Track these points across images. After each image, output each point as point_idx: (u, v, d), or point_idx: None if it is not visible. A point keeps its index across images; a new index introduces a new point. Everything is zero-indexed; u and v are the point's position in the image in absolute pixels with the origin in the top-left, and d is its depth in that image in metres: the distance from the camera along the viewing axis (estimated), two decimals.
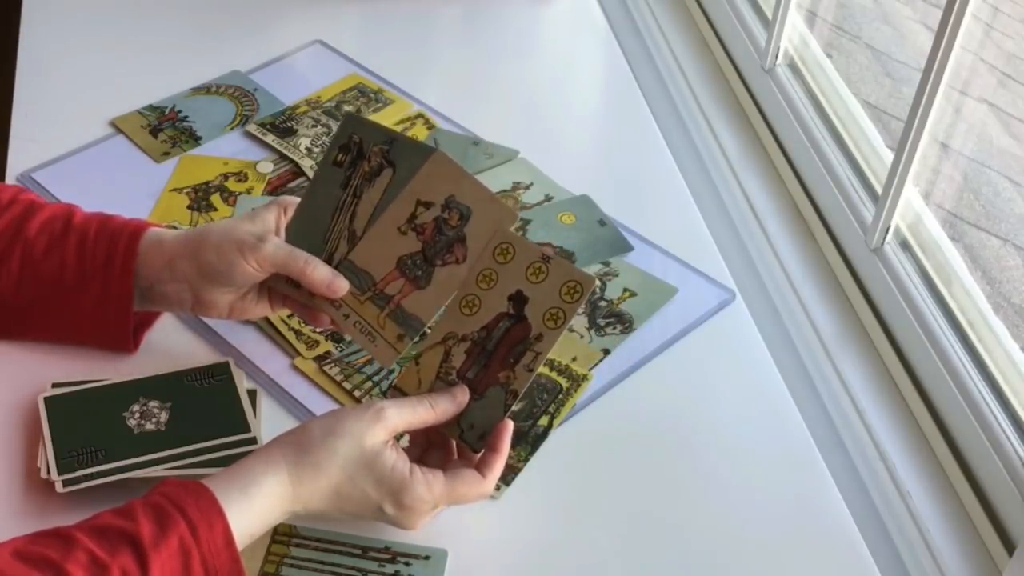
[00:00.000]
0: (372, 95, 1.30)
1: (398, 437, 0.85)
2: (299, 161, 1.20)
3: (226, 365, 0.96)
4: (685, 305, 1.08)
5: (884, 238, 1.12)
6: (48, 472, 0.87)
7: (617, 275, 1.11)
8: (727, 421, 0.99)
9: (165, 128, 1.24)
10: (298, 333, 1.02)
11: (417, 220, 0.90)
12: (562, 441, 0.96)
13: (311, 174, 1.16)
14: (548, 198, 1.19)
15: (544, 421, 0.97)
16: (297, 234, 0.93)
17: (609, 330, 1.05)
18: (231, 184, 1.18)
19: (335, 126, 1.24)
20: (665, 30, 1.51)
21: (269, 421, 0.94)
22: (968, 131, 1.44)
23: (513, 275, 0.87)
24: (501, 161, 1.23)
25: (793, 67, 1.33)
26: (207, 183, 1.17)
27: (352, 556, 0.86)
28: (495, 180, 1.20)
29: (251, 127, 1.24)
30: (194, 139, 1.23)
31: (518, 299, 0.86)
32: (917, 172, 1.09)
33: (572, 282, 0.85)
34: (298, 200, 0.94)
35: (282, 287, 0.93)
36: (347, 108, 1.27)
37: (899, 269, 1.09)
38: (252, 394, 0.95)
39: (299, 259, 0.90)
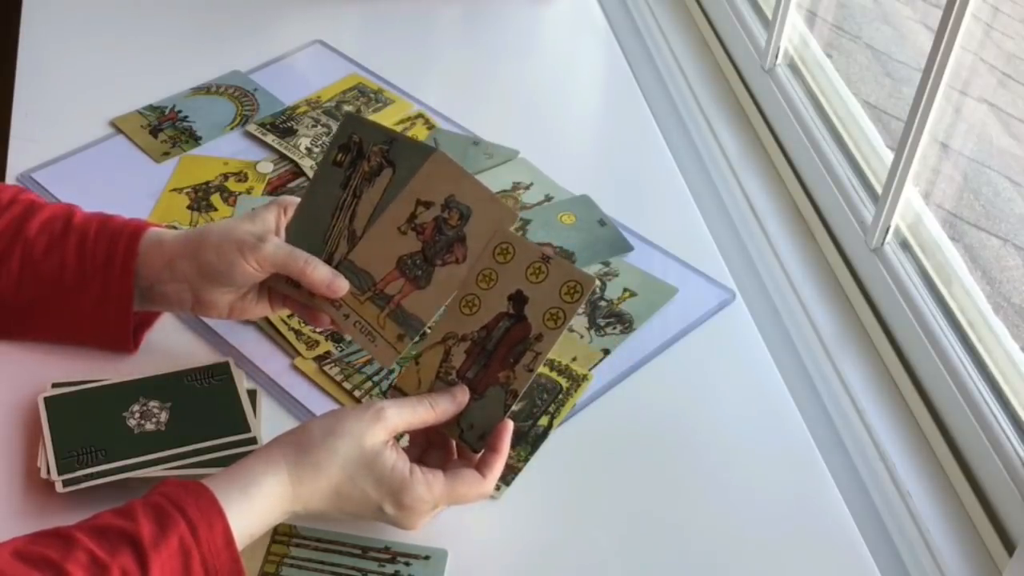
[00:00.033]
0: (372, 95, 1.30)
1: (398, 437, 0.85)
2: (299, 161, 1.20)
3: (226, 365, 0.96)
4: (685, 305, 1.08)
5: (884, 238, 1.12)
6: (48, 472, 0.87)
7: (617, 275, 1.11)
8: (727, 421, 0.99)
9: (165, 128, 1.24)
10: (298, 333, 1.02)
11: (417, 220, 0.90)
12: (562, 441, 0.96)
13: (311, 174, 1.16)
14: (548, 198, 1.19)
15: (544, 421, 0.97)
16: (297, 234, 0.93)
17: (609, 330, 1.05)
18: (231, 184, 1.18)
19: (335, 126, 1.24)
20: (665, 30, 1.51)
21: (269, 421, 0.94)
22: (968, 131, 1.44)
23: (513, 275, 0.87)
24: (501, 161, 1.23)
25: (793, 67, 1.33)
26: (207, 183, 1.17)
27: (352, 556, 0.86)
28: (495, 180, 1.20)
29: (251, 127, 1.24)
30: (194, 139, 1.23)
31: (518, 299, 0.86)
32: (917, 172, 1.09)
33: (572, 282, 0.85)
34: (298, 200, 0.94)
35: (282, 287, 0.93)
36: (347, 108, 1.27)
37: (899, 269, 1.09)
38: (252, 394, 0.95)
39: (299, 259, 0.90)
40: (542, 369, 0.99)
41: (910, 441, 1.03)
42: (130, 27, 1.39)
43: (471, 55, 1.42)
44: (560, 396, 0.99)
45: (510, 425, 0.86)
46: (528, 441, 0.95)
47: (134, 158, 1.20)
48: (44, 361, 0.97)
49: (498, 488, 0.91)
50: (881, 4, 1.69)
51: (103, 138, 1.23)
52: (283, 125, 1.25)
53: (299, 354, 1.00)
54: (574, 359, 1.02)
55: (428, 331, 0.90)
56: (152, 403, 0.93)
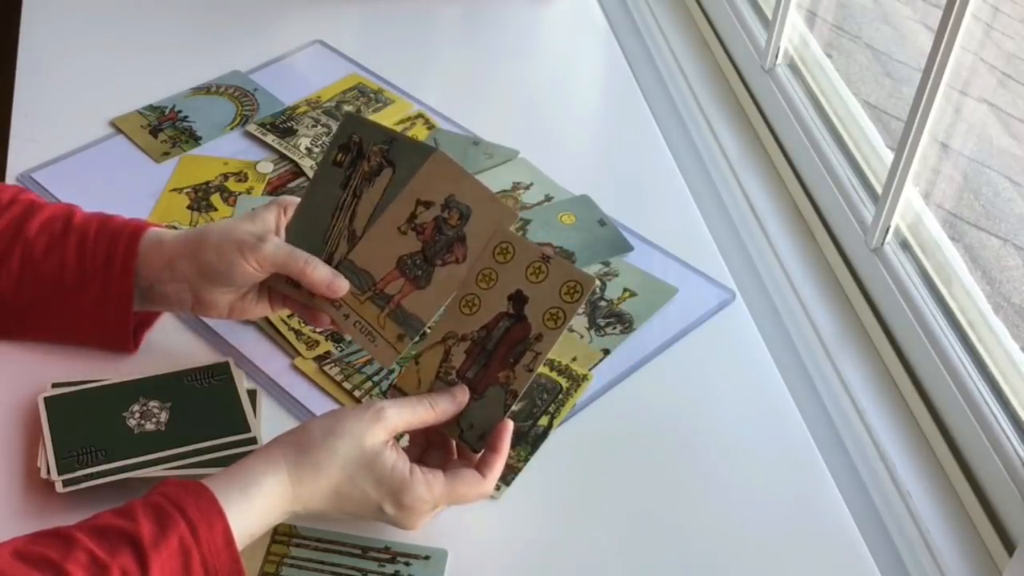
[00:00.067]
0: (372, 95, 1.30)
1: (398, 437, 0.85)
2: (299, 161, 1.20)
3: (226, 365, 0.96)
4: (685, 305, 1.08)
5: (884, 238, 1.12)
6: (48, 472, 0.87)
7: (617, 275, 1.11)
8: (727, 421, 0.99)
9: (165, 128, 1.24)
10: (298, 333, 1.02)
11: (417, 220, 0.90)
12: (562, 441, 0.96)
13: (311, 174, 1.16)
14: (548, 198, 1.19)
15: (544, 421, 0.97)
16: (297, 234, 0.93)
17: (609, 330, 1.05)
18: (231, 184, 1.18)
19: (335, 126, 1.24)
20: (665, 30, 1.51)
21: (269, 421, 0.94)
22: (968, 131, 1.44)
23: (513, 275, 0.87)
24: (501, 161, 1.23)
25: (793, 67, 1.33)
26: (207, 183, 1.17)
27: (352, 556, 0.86)
28: (495, 180, 1.20)
29: (251, 127, 1.24)
30: (194, 139, 1.23)
31: (518, 299, 0.86)
32: (917, 172, 1.09)
33: (572, 282, 0.85)
34: (298, 200, 0.94)
35: (282, 287, 0.93)
36: (347, 108, 1.27)
37: (899, 269, 1.09)
38: (252, 394, 0.95)
39: (299, 259, 0.90)
40: (542, 369, 0.99)
41: (910, 441, 1.03)
42: (130, 27, 1.39)
43: (471, 55, 1.42)
44: (560, 396, 0.99)
45: (510, 425, 0.86)
46: (528, 441, 0.95)
47: (134, 158, 1.20)
48: (44, 361, 0.97)
49: (498, 488, 0.91)
50: (881, 4, 1.69)
51: (103, 138, 1.23)
52: (283, 125, 1.25)
53: (299, 354, 1.00)
54: (574, 359, 1.02)
55: (428, 331, 0.90)
56: (152, 403, 0.93)
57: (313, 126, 1.25)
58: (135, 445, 0.89)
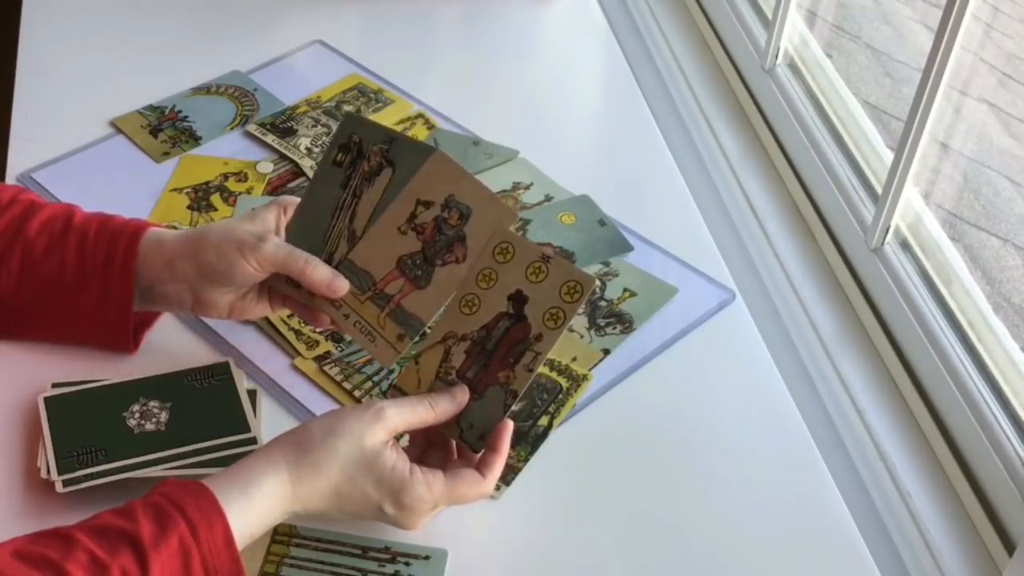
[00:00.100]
0: (372, 95, 1.30)
1: (398, 437, 0.85)
2: (299, 161, 1.20)
3: (226, 365, 0.96)
4: (685, 305, 1.08)
5: (884, 238, 1.12)
6: (48, 472, 0.87)
7: (617, 275, 1.11)
8: (727, 421, 0.99)
9: (165, 128, 1.24)
10: (298, 333, 1.02)
11: (417, 220, 0.90)
12: (562, 441, 0.96)
13: (311, 174, 1.16)
14: (548, 198, 1.19)
15: (544, 421, 0.97)
16: (297, 234, 0.93)
17: (609, 330, 1.05)
18: (231, 184, 1.18)
19: (335, 126, 1.24)
20: (665, 30, 1.51)
21: (269, 421, 0.94)
22: (968, 131, 1.44)
23: (513, 275, 0.87)
24: (501, 161, 1.23)
25: (793, 67, 1.33)
26: (207, 183, 1.17)
27: (352, 556, 0.86)
28: (495, 180, 1.20)
29: (251, 127, 1.24)
30: (194, 139, 1.23)
31: (518, 299, 0.86)
32: (917, 172, 1.09)
33: (572, 282, 0.85)
34: (298, 200, 0.94)
35: (282, 287, 0.93)
36: (347, 108, 1.27)
37: (899, 269, 1.09)
38: (252, 394, 0.95)
39: (299, 259, 0.90)
40: (542, 369, 0.99)
41: (910, 441, 1.03)
42: (130, 27, 1.39)
43: (471, 55, 1.42)
44: (560, 396, 0.99)
45: (510, 425, 0.86)
46: (528, 441, 0.95)
47: (134, 158, 1.20)
48: (44, 361, 0.97)
49: (498, 488, 0.91)
50: (881, 4, 1.69)
51: (103, 138, 1.23)
52: (283, 125, 1.25)
53: (299, 354, 1.00)
54: (574, 359, 1.02)
55: (428, 331, 0.90)
56: (152, 403, 0.93)
57: (313, 126, 1.25)
58: (135, 445, 0.89)
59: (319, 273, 0.90)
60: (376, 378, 0.99)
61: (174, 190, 1.16)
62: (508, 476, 0.92)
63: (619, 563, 0.88)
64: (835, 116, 1.25)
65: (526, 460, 0.94)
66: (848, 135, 1.23)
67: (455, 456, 0.88)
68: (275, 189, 1.17)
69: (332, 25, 1.42)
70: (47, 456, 0.88)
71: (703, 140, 1.37)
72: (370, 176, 0.92)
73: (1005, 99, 1.50)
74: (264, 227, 0.91)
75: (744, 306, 1.09)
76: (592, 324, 1.05)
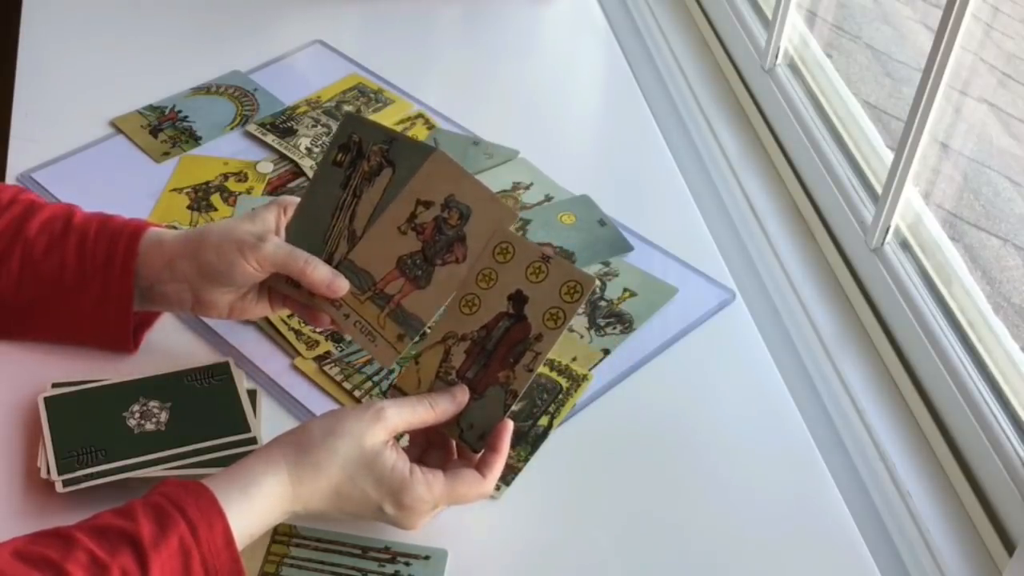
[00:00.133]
0: (372, 95, 1.30)
1: (398, 437, 0.85)
2: (299, 161, 1.20)
3: (226, 365, 0.96)
4: (685, 305, 1.08)
5: (884, 238, 1.12)
6: (48, 472, 0.87)
7: (617, 275, 1.11)
8: (727, 421, 0.99)
9: (165, 128, 1.24)
10: (298, 333, 1.02)
11: (417, 220, 0.90)
12: (562, 441, 0.96)
13: (311, 174, 1.16)
14: (548, 198, 1.19)
15: (544, 421, 0.97)
16: (297, 234, 0.93)
17: (609, 330, 1.05)
18: (231, 184, 1.18)
19: (335, 126, 1.24)
20: (665, 30, 1.51)
21: (269, 421, 0.94)
22: (968, 131, 1.44)
23: (513, 275, 0.87)
24: (501, 161, 1.23)
25: (793, 67, 1.33)
26: (207, 183, 1.17)
27: (352, 556, 0.86)
28: (495, 180, 1.20)
29: (251, 127, 1.24)
30: (194, 139, 1.23)
31: (518, 299, 0.86)
32: (917, 172, 1.09)
33: (572, 282, 0.85)
34: (298, 200, 0.94)
35: (282, 287, 0.93)
36: (347, 108, 1.27)
37: (899, 269, 1.09)
38: (252, 394, 0.95)
39: (299, 259, 0.90)
40: (542, 369, 0.99)
41: (910, 441, 1.03)
42: (130, 27, 1.39)
43: (471, 55, 1.42)
44: (560, 396, 0.99)
45: (510, 425, 0.86)
46: (528, 441, 0.95)
47: (134, 158, 1.20)
48: (44, 361, 0.97)
49: (498, 488, 0.91)
50: (881, 4, 1.69)
51: (103, 138, 1.23)
52: (283, 125, 1.25)
53: (299, 354, 1.00)
54: (574, 359, 1.02)
55: (428, 331, 0.90)
56: (152, 403, 0.93)
57: (313, 126, 1.25)
58: (135, 445, 0.89)
59: (319, 273, 0.90)
60: (376, 378, 0.99)
61: (174, 190, 1.16)
62: (508, 476, 0.92)
63: (619, 563, 0.88)
64: (835, 116, 1.25)
65: (526, 460, 0.94)
66: (848, 135, 1.23)
67: (455, 456, 0.88)
68: (275, 189, 1.17)
69: (332, 25, 1.42)
70: (47, 456, 0.88)
71: (703, 140, 1.37)
72: (370, 176, 0.92)
73: (1005, 99, 1.50)
74: (264, 227, 0.91)
75: (744, 306, 1.09)
76: (592, 324, 1.05)
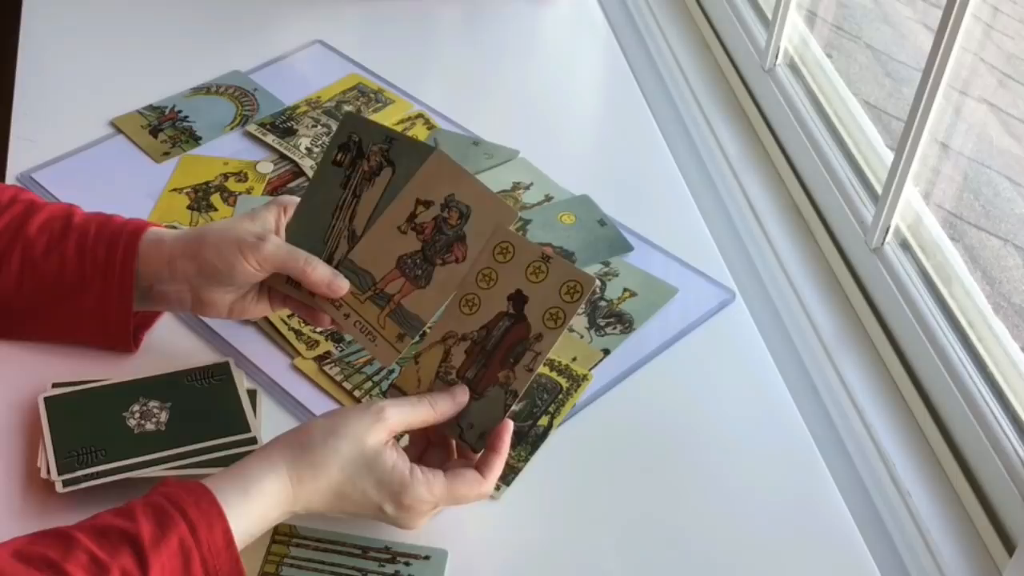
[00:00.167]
0: (372, 95, 1.30)
1: (398, 437, 0.85)
2: (299, 161, 1.20)
3: (226, 365, 0.96)
4: (685, 305, 1.08)
5: (884, 238, 1.12)
6: (48, 472, 0.87)
7: (617, 275, 1.11)
8: (727, 421, 0.99)
9: (165, 128, 1.24)
10: (298, 333, 1.02)
11: (417, 219, 0.90)
12: (562, 441, 0.96)
13: (311, 174, 1.16)
14: (548, 198, 1.19)
15: (544, 421, 0.97)
16: (297, 234, 0.93)
17: (609, 330, 1.05)
18: (231, 184, 1.17)
19: (335, 126, 1.23)
20: (665, 30, 1.51)
21: (269, 421, 0.94)
22: (968, 131, 1.44)
23: (513, 274, 0.87)
24: (501, 161, 1.23)
25: (793, 67, 1.33)
26: (207, 183, 1.17)
27: (352, 556, 0.86)
28: (495, 180, 1.20)
29: (251, 127, 1.24)
30: (194, 139, 1.23)
31: (518, 298, 0.86)
32: (917, 172, 1.09)
33: (572, 282, 0.85)
34: (298, 200, 0.94)
35: (282, 287, 0.93)
36: (347, 108, 1.27)
37: (899, 269, 1.09)
38: (252, 394, 0.95)
39: (299, 258, 0.90)
40: (542, 369, 0.99)
41: (910, 441, 1.03)
42: (130, 27, 1.39)
43: (471, 55, 1.42)
44: (560, 396, 0.99)
45: (510, 425, 0.86)
46: (528, 441, 0.95)
47: (134, 158, 1.20)
48: (44, 361, 0.97)
49: (498, 488, 0.91)
50: (881, 4, 1.69)
51: (103, 138, 1.22)
52: (283, 125, 1.25)
53: (299, 354, 1.00)
54: (574, 359, 1.02)
55: (428, 331, 0.90)
56: (152, 403, 0.93)
57: (313, 126, 1.25)
58: (135, 445, 0.89)
59: (319, 273, 0.90)
60: (376, 378, 0.99)
61: (174, 190, 1.16)
62: (508, 476, 0.92)
63: (619, 563, 0.88)
64: (835, 116, 1.25)
65: (526, 460, 0.94)
66: (848, 135, 1.23)
67: (455, 455, 0.88)
68: (275, 189, 1.17)
69: (332, 25, 1.42)
70: (47, 456, 0.88)
71: (703, 140, 1.37)
72: (370, 176, 0.92)
73: (1005, 99, 1.50)
74: (264, 227, 0.91)
75: (744, 306, 1.09)
76: (592, 324, 1.05)
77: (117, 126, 1.24)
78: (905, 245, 1.12)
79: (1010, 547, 0.92)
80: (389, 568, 0.85)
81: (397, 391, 0.88)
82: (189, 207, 1.14)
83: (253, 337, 1.02)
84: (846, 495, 0.94)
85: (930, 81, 1.03)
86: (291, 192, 1.17)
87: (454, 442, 0.88)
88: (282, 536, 0.86)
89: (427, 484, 0.82)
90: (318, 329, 1.02)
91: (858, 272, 1.15)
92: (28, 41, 1.35)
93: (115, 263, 0.92)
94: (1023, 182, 1.45)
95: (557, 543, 0.89)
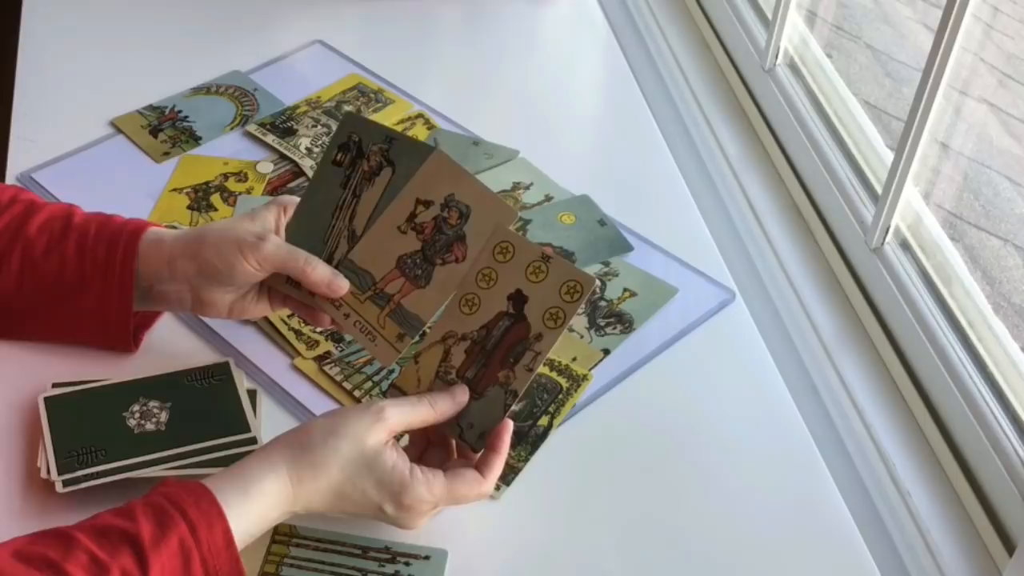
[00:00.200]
0: (372, 95, 1.30)
1: (398, 437, 0.85)
2: (299, 161, 1.20)
3: (226, 365, 0.96)
4: (685, 305, 1.08)
5: (884, 238, 1.12)
6: (48, 472, 0.87)
7: (617, 275, 1.11)
8: (727, 421, 0.99)
9: (165, 128, 1.24)
10: (298, 333, 1.02)
11: (417, 219, 0.90)
12: (562, 441, 0.96)
13: (311, 174, 1.16)
14: (548, 198, 1.19)
15: (544, 421, 0.97)
16: (297, 234, 0.93)
17: (609, 330, 1.05)
18: (231, 184, 1.17)
19: (335, 126, 1.23)
20: (665, 30, 1.51)
21: (269, 421, 0.94)
22: (968, 131, 1.44)
23: (513, 274, 0.87)
24: (501, 161, 1.23)
25: (793, 67, 1.33)
26: (207, 183, 1.17)
27: (352, 556, 0.86)
28: (495, 180, 1.20)
29: (251, 127, 1.24)
30: (194, 139, 1.23)
31: (518, 298, 0.86)
32: (917, 172, 1.09)
33: (572, 282, 0.85)
34: (298, 200, 0.94)
35: (282, 286, 0.93)
36: (347, 108, 1.27)
37: (899, 269, 1.09)
38: (252, 394, 0.95)
39: (299, 258, 0.90)
40: (542, 369, 0.99)
41: (910, 441, 1.03)
42: (130, 27, 1.39)
43: (471, 55, 1.42)
44: (560, 396, 0.99)
45: (510, 425, 0.86)
46: (528, 441, 0.95)
47: (134, 158, 1.20)
48: (44, 361, 0.97)
49: (498, 488, 0.91)
50: (881, 4, 1.69)
51: (103, 138, 1.22)
52: (283, 125, 1.25)
53: (299, 354, 1.00)
54: (574, 359, 1.02)
55: (428, 330, 0.90)
56: (152, 403, 0.93)
57: (313, 126, 1.25)
58: (135, 445, 0.89)
59: (319, 273, 0.90)
60: (376, 378, 0.99)
61: (174, 190, 1.16)
62: (508, 476, 0.92)
63: (619, 563, 0.88)
64: (835, 116, 1.25)
65: (526, 460, 0.94)
66: (848, 135, 1.23)
67: (455, 455, 0.88)
68: (275, 189, 1.17)
69: (332, 25, 1.42)
70: (47, 456, 0.88)
71: (703, 140, 1.37)
72: (370, 176, 0.92)
73: (1005, 99, 1.50)
74: (264, 227, 0.91)
75: (744, 306, 1.09)
76: (592, 324, 1.05)
77: (117, 126, 1.24)
78: (905, 245, 1.12)
79: (1010, 547, 0.92)
80: (389, 568, 0.85)
81: (397, 391, 0.88)
82: (189, 207, 1.14)
83: (253, 337, 1.02)
84: (846, 495, 0.94)
85: (930, 81, 1.03)
86: (291, 192, 1.17)
87: (454, 442, 0.88)
88: (282, 536, 0.86)
89: (427, 484, 0.82)
90: (318, 329, 1.02)
91: (858, 272, 1.15)
92: (28, 41, 1.35)
93: (115, 263, 0.92)
94: (1023, 182, 1.45)
95: (557, 543, 0.89)
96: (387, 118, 1.26)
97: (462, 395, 0.86)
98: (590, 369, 1.01)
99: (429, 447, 0.88)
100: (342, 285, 0.90)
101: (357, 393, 0.97)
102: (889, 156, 1.12)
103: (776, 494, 0.94)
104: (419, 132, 1.26)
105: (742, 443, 0.97)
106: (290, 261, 0.90)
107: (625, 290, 1.09)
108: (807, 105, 1.28)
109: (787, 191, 1.28)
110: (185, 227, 1.11)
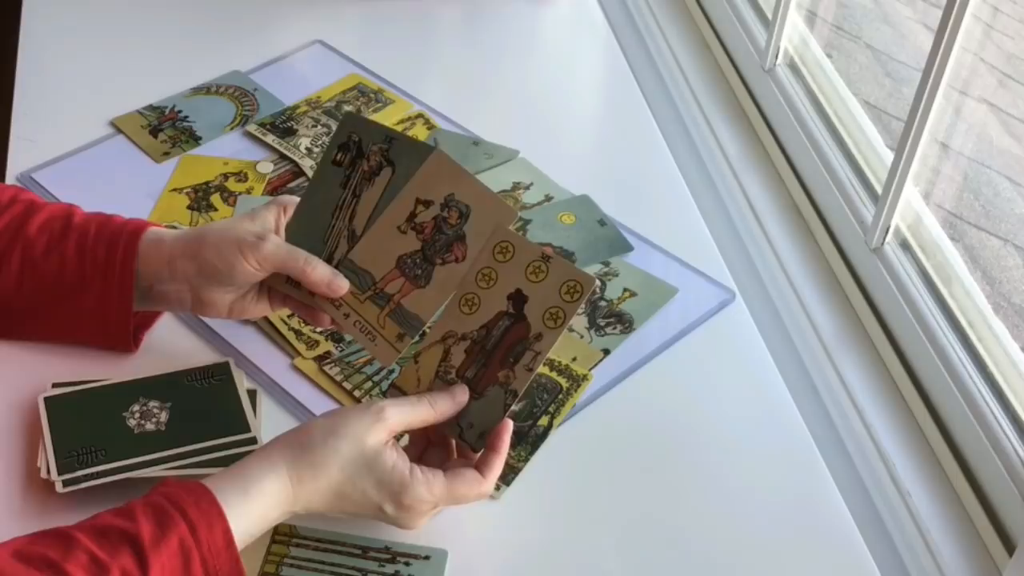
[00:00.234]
0: (372, 95, 1.30)
1: (398, 437, 0.85)
2: (299, 161, 1.20)
3: (226, 365, 0.96)
4: (685, 305, 1.08)
5: (884, 238, 1.12)
6: (48, 472, 0.87)
7: (617, 275, 1.11)
8: (727, 421, 0.99)
9: (165, 128, 1.24)
10: (298, 333, 1.02)
11: (417, 219, 0.90)
12: (562, 441, 0.96)
13: (311, 174, 1.16)
14: (548, 198, 1.19)
15: (544, 421, 0.97)
16: (297, 233, 0.93)
17: (609, 330, 1.05)
18: (231, 184, 1.18)
19: (335, 126, 1.23)
20: (665, 30, 1.51)
21: (269, 421, 0.94)
22: (968, 131, 1.44)
23: (513, 274, 0.87)
24: (501, 161, 1.23)
25: (793, 67, 1.33)
26: (207, 183, 1.17)
27: (352, 556, 0.86)
28: (495, 180, 1.20)
29: (251, 127, 1.24)
30: (194, 139, 1.23)
31: (518, 298, 0.86)
32: (917, 172, 1.09)
33: (572, 281, 0.85)
34: (298, 200, 0.94)
35: (282, 286, 0.93)
36: (347, 108, 1.27)
37: (899, 269, 1.09)
38: (252, 394, 0.95)
39: (299, 258, 0.90)
40: (542, 369, 0.99)
41: (910, 441, 1.03)
42: (130, 27, 1.39)
43: (471, 55, 1.42)
44: (560, 396, 0.99)
45: (510, 425, 0.86)
46: (528, 441, 0.95)
47: (134, 158, 1.20)
48: (44, 361, 0.97)
49: (498, 488, 0.91)
50: (881, 4, 1.69)
51: (103, 138, 1.23)
52: (283, 125, 1.25)
53: (299, 354, 1.00)
54: (574, 359, 1.02)
55: (428, 330, 0.90)
56: (152, 403, 0.93)
57: (313, 126, 1.25)
58: (135, 445, 0.89)
59: (319, 272, 0.90)
60: (376, 378, 0.99)
61: (174, 190, 1.16)
62: (508, 476, 0.92)
63: (619, 563, 0.88)
64: (835, 116, 1.25)
65: (526, 460, 0.94)
66: (848, 135, 1.23)
67: (455, 455, 0.88)
68: (275, 189, 1.17)
69: (332, 25, 1.42)
70: (47, 456, 0.88)
71: (703, 140, 1.37)
72: (370, 176, 0.92)
73: (1005, 99, 1.50)
74: (264, 226, 0.91)
75: (744, 306, 1.09)
76: (592, 324, 1.05)
77: (117, 126, 1.24)
78: (905, 245, 1.12)
79: (1010, 547, 0.92)
80: (389, 568, 0.85)
81: (397, 391, 0.88)
82: (189, 207, 1.14)
83: (253, 337, 1.02)
84: (846, 495, 0.94)
85: (930, 81, 1.03)
86: (291, 192, 1.17)
87: (454, 442, 0.88)
88: (282, 536, 0.86)
89: (427, 484, 0.82)
90: (318, 329, 1.02)
91: (858, 272, 1.15)
92: (28, 41, 1.35)
93: (115, 263, 0.92)
94: (1023, 182, 1.45)
95: (557, 543, 0.89)
96: (387, 118, 1.26)
97: (462, 395, 0.86)
98: (590, 369, 1.01)
99: (429, 447, 0.88)
100: (342, 285, 0.90)
101: (357, 393, 0.97)
102: (889, 156, 1.12)
103: (776, 494, 0.94)
104: (419, 132, 1.26)
105: (742, 443, 0.97)
106: (290, 261, 0.90)
107: (625, 290, 1.09)
108: (807, 105, 1.28)
109: (787, 191, 1.28)
110: (185, 227, 1.11)
